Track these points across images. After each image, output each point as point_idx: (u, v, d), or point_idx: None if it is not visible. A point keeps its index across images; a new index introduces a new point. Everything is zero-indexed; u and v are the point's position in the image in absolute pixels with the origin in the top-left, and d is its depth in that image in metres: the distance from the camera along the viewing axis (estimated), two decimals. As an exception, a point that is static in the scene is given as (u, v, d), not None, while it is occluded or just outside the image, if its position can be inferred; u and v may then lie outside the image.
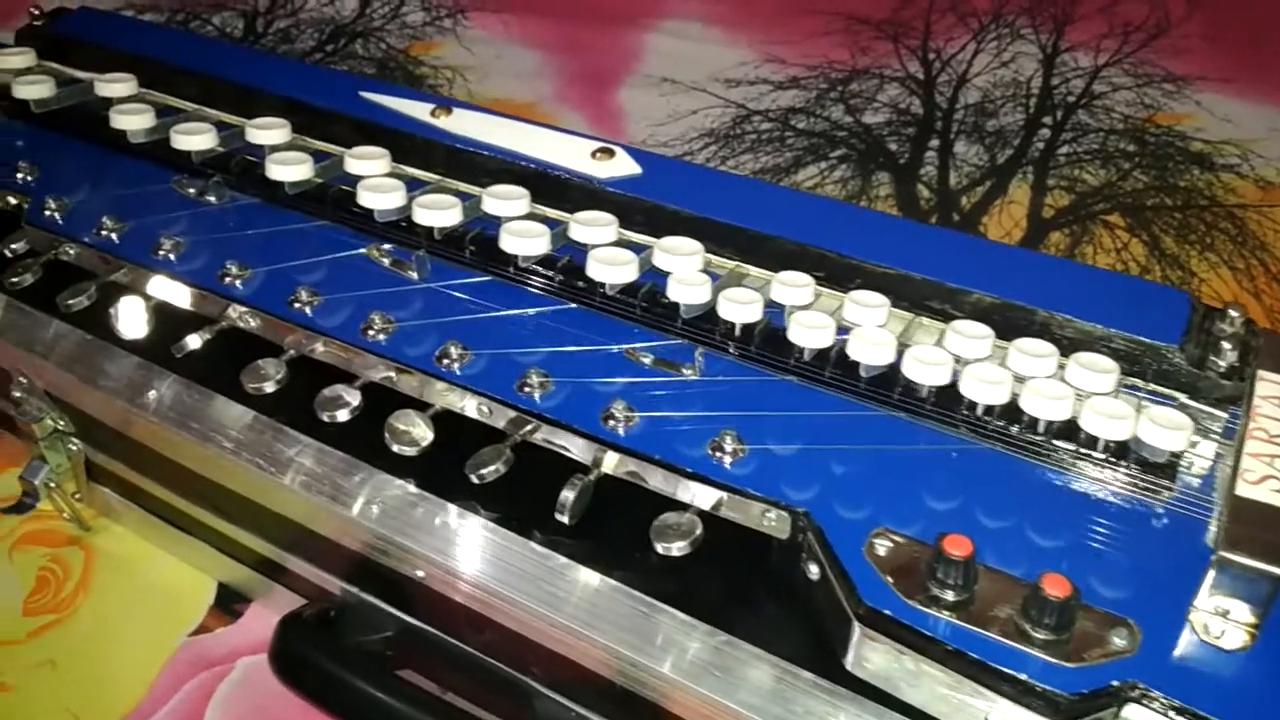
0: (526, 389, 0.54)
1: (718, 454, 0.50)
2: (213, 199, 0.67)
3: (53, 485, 0.72)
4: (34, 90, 0.69)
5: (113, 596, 0.70)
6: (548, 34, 1.30)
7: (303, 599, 0.65)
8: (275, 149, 0.64)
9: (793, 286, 0.51)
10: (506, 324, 0.58)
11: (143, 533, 0.73)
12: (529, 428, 0.54)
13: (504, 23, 1.33)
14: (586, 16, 1.33)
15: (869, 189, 1.05)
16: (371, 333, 0.58)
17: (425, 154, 0.64)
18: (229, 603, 0.69)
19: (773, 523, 0.48)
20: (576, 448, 0.53)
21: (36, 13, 0.78)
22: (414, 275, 0.61)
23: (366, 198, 0.59)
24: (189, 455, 0.61)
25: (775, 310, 0.54)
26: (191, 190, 0.68)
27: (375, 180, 0.60)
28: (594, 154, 0.61)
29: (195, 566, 0.71)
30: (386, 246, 0.63)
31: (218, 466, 0.60)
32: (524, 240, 0.56)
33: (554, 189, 0.61)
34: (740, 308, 0.51)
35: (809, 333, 0.50)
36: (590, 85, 1.21)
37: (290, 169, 0.61)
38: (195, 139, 0.64)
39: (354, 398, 0.57)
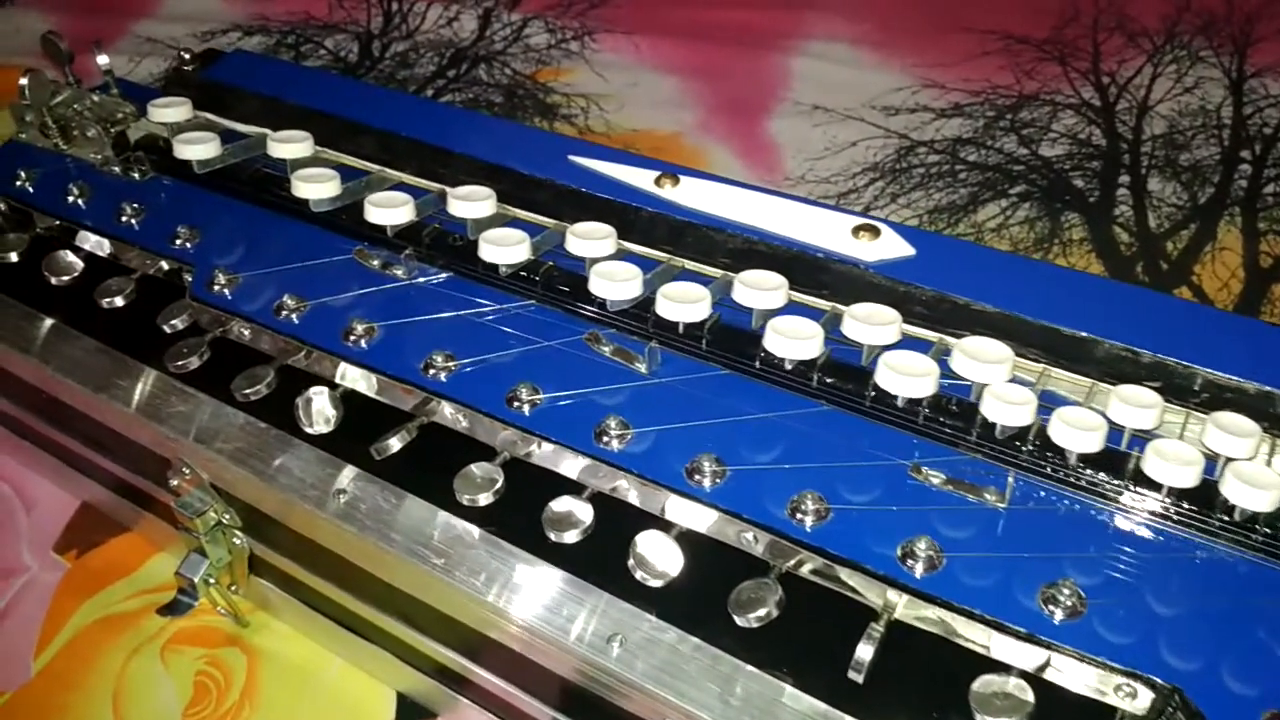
0: (799, 515, 0.48)
1: (1049, 606, 0.43)
2: (400, 273, 0.62)
3: (212, 581, 0.66)
4: (199, 150, 0.64)
5: (281, 708, 0.65)
6: (683, 57, 1.24)
7: (495, 717, 0.60)
8: (481, 223, 0.58)
9: (1136, 406, 0.44)
10: (763, 430, 0.51)
11: (308, 632, 0.67)
12: (798, 559, 0.48)
13: (635, 45, 1.26)
14: (723, 38, 1.27)
15: (1059, 231, 0.97)
16: (606, 439, 0.52)
17: (650, 229, 0.58)
18: (411, 718, 0.63)
19: (1129, 697, 0.41)
20: (863, 588, 0.46)
21: (186, 56, 0.72)
22: (641, 368, 0.55)
23: (600, 285, 0.53)
24: (377, 561, 0.55)
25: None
26: (376, 262, 0.62)
27: (607, 266, 0.53)
28: (855, 231, 0.54)
29: (370, 673, 0.65)
30: (606, 332, 0.56)
31: (413, 577, 0.54)
32: (793, 341, 0.49)
33: (811, 273, 0.54)
34: (1076, 434, 0.44)
35: (1169, 467, 0.42)
36: (736, 115, 1.14)
37: (507, 250, 0.55)
38: (393, 212, 0.58)
39: (586, 514, 0.51)
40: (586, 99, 1.17)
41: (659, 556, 0.49)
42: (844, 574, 0.47)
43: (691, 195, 0.57)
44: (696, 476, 0.50)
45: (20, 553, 0.74)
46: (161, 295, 0.66)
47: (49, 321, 0.68)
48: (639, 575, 0.49)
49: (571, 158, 0.61)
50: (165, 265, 0.67)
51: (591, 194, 0.59)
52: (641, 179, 0.59)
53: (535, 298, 0.58)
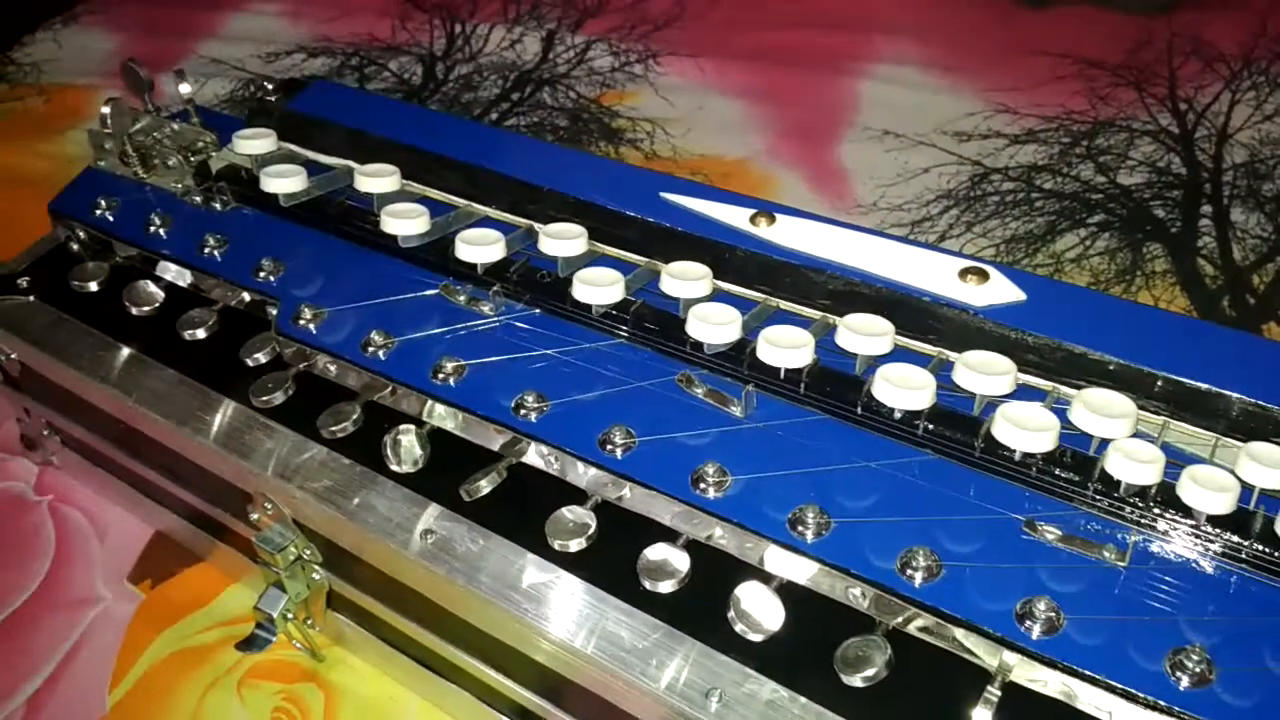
0: (909, 571, 0.46)
1: (1176, 672, 0.42)
2: (487, 310, 0.61)
3: (290, 616, 0.66)
4: (286, 184, 0.64)
5: (360, 748, 0.64)
6: (748, 81, 1.23)
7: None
8: (572, 261, 0.58)
9: (1269, 466, 0.43)
10: (867, 480, 0.50)
11: (386, 669, 0.67)
12: (908, 616, 0.47)
13: (700, 68, 1.26)
14: (789, 61, 1.26)
15: (1141, 263, 0.95)
16: (703, 486, 0.51)
17: (746, 268, 0.57)
18: (490, 762, 0.63)
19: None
20: (978, 648, 0.45)
21: (270, 86, 0.72)
22: (736, 411, 0.54)
23: (698, 328, 0.52)
24: (462, 603, 0.55)
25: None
26: (462, 299, 0.62)
27: (705, 309, 0.52)
28: (963, 275, 0.52)
29: (450, 714, 0.65)
30: (698, 373, 0.55)
31: (499, 620, 0.54)
32: (904, 391, 0.48)
33: (918, 317, 0.53)
34: (1208, 494, 0.42)
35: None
36: (804, 140, 1.13)
37: (601, 291, 0.54)
38: (483, 250, 0.58)
39: (682, 562, 0.50)
40: (652, 123, 1.17)
41: (760, 609, 0.48)
42: (958, 634, 0.45)
43: (788, 234, 0.56)
44: (799, 528, 0.49)
45: (94, 582, 0.74)
46: (244, 328, 0.66)
47: (129, 352, 0.68)
48: (739, 628, 0.48)
49: (663, 195, 0.60)
50: (248, 298, 0.67)
51: (685, 232, 0.59)
52: (736, 217, 0.58)
53: (626, 337, 0.57)
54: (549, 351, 0.58)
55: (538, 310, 0.60)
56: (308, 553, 0.64)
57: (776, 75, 1.24)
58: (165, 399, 0.65)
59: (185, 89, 0.73)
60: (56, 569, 0.75)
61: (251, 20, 1.42)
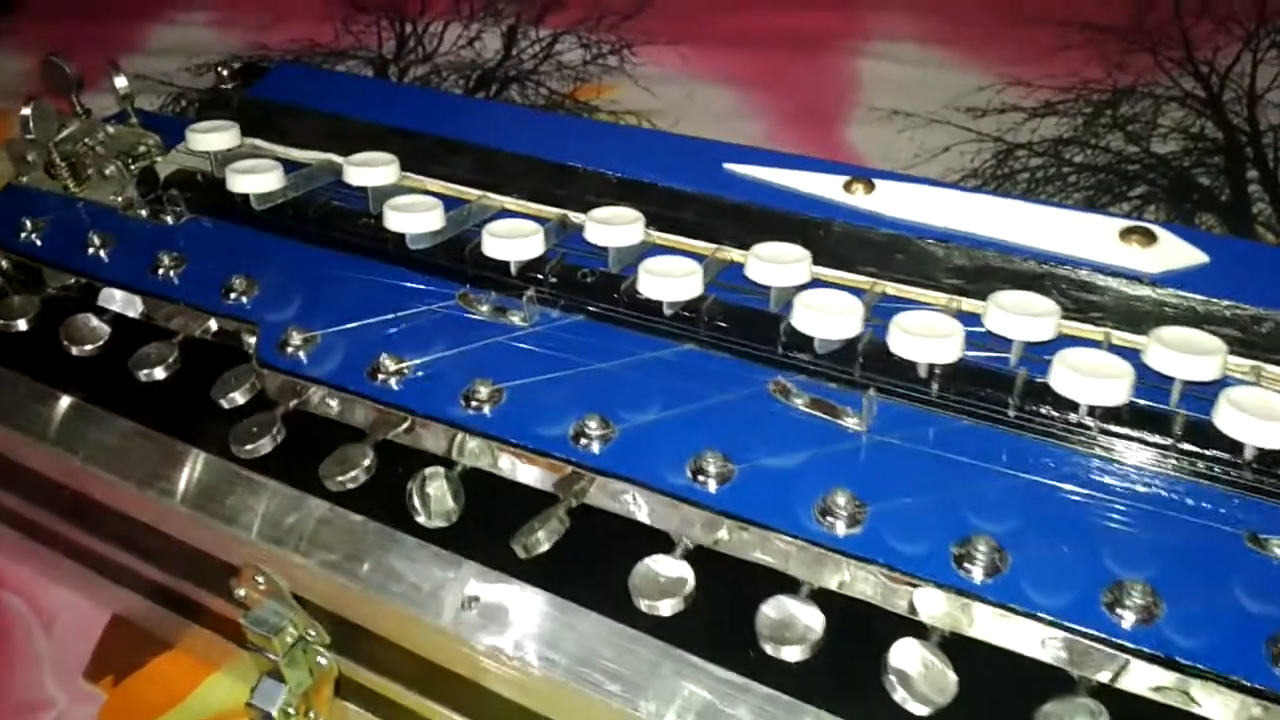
0: (1118, 611, 0.37)
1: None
2: (517, 320, 0.50)
3: (291, 712, 0.54)
4: (259, 182, 0.53)
5: None
6: (735, 66, 1.14)
7: None
8: (624, 252, 0.47)
9: None
10: (1049, 504, 0.40)
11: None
12: (1119, 668, 0.37)
13: (681, 55, 1.16)
14: (775, 43, 1.17)
15: (1197, 236, 0.87)
16: (830, 520, 0.41)
17: (845, 247, 0.47)
18: None
19: None
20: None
21: (225, 73, 0.61)
22: (853, 423, 0.43)
23: (810, 321, 0.42)
24: (521, 685, 0.44)
25: None
26: (485, 308, 0.51)
27: (815, 297, 0.42)
28: (1124, 236, 0.43)
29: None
30: (794, 379, 0.45)
31: (572, 704, 0.43)
32: (1099, 383, 0.38)
33: (1078, 291, 0.43)
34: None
35: None
36: (807, 124, 1.04)
37: (675, 284, 0.44)
38: (520, 245, 0.47)
39: (813, 620, 0.40)
40: (637, 115, 1.07)
41: (925, 673, 0.38)
42: (1194, 688, 0.36)
43: (895, 202, 0.46)
44: (966, 565, 0.39)
45: (42, 683, 0.62)
46: (214, 363, 0.54)
47: (70, 400, 0.56)
48: (899, 696, 0.38)
49: (728, 166, 0.50)
50: (216, 326, 0.56)
51: (763, 208, 0.48)
52: (823, 186, 0.48)
53: (697, 340, 0.47)
54: (603, 365, 0.48)
55: (580, 316, 0.50)
56: (311, 633, 0.52)
57: (765, 58, 1.14)
58: (121, 456, 0.54)
59: (121, 83, 0.62)
60: (-5, 669, 0.63)
61: (177, 32, 1.30)
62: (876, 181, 0.47)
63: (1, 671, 0.62)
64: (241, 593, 0.53)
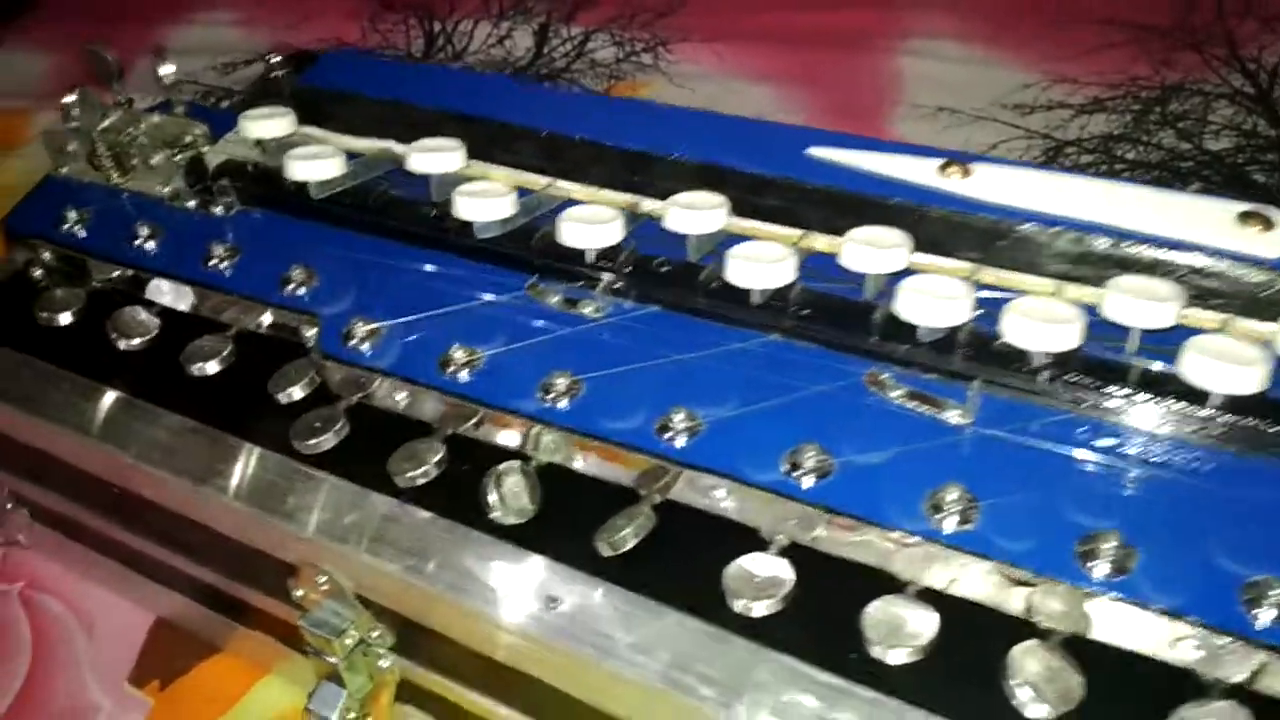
0: (1258, 608, 0.35)
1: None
2: (590, 311, 0.48)
3: (351, 717, 0.52)
4: (320, 169, 0.51)
5: None
6: (772, 64, 1.12)
7: None
8: (704, 240, 0.45)
9: None
10: (1184, 498, 0.38)
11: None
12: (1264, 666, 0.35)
13: (716, 53, 1.15)
14: (812, 41, 1.15)
15: (1256, 233, 0.85)
16: (940, 516, 0.39)
17: (942, 233, 0.45)
18: None
19: None
20: None
21: (275, 60, 0.59)
22: (956, 416, 0.42)
23: (915, 307, 0.40)
24: (605, 690, 0.42)
25: None
26: (555, 299, 0.49)
27: (919, 283, 0.40)
28: (1242, 219, 0.41)
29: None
30: (890, 371, 0.43)
31: (663, 712, 0.41)
32: (1233, 369, 0.36)
33: (1195, 278, 0.41)
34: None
35: None
36: (849, 121, 1.02)
37: (764, 270, 0.42)
38: (599, 231, 0.45)
39: (926, 623, 0.38)
40: (675, 113, 1.05)
41: (1049, 677, 0.36)
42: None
43: (994, 187, 0.45)
44: (1090, 563, 0.37)
45: (86, 688, 0.60)
46: (268, 357, 0.53)
47: (119, 396, 0.55)
48: (1022, 699, 0.36)
49: (811, 151, 0.48)
50: (271, 319, 0.54)
51: (853, 193, 0.46)
52: (915, 170, 0.46)
53: (783, 330, 0.45)
54: (685, 356, 0.46)
55: (655, 307, 0.48)
56: (374, 634, 0.50)
57: (803, 56, 1.13)
58: (173, 452, 0.52)
59: (167, 71, 0.60)
60: (36, 674, 0.61)
61: (201, 32, 1.28)
62: (973, 165, 0.45)
63: (44, 677, 0.61)
64: (300, 593, 0.51)
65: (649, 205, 0.49)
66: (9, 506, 0.66)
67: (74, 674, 0.61)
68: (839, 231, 0.44)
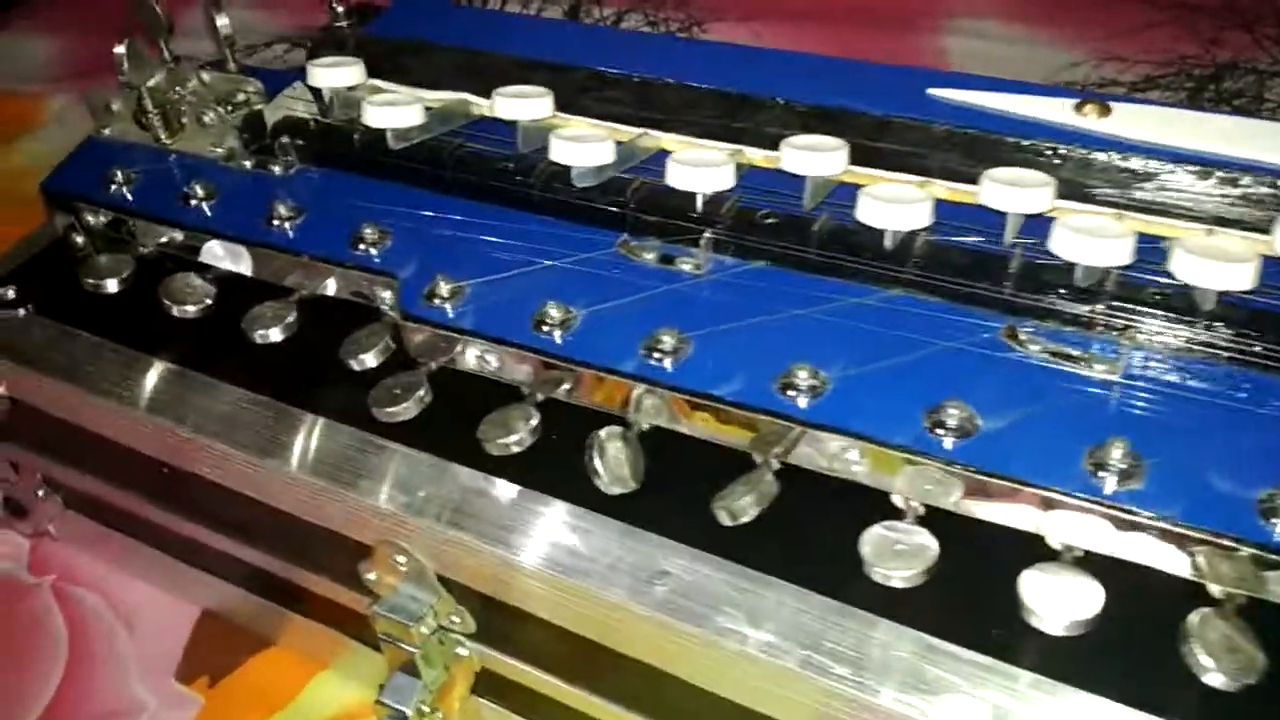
0: None
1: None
2: (690, 267, 0.45)
3: (426, 709, 0.49)
4: (399, 116, 0.47)
5: None
6: (815, 42, 1.09)
7: None
8: (820, 185, 0.42)
9: None
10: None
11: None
12: None
13: (754, 33, 1.12)
14: (855, 20, 1.12)
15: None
16: (1102, 474, 0.35)
17: (1086, 176, 0.42)
18: None
19: None
20: None
21: (340, 9, 0.56)
22: (1104, 371, 0.38)
23: (1069, 243, 0.37)
24: (719, 674, 0.39)
25: None
26: (650, 256, 0.46)
27: (1080, 221, 0.37)
28: None
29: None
30: (1026, 329, 0.40)
31: (790, 694, 0.38)
32: None
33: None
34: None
35: None
36: (897, 100, 0.99)
37: (902, 211, 0.39)
38: (709, 175, 0.42)
39: (1092, 596, 0.35)
40: (714, 93, 1.02)
41: (1226, 645, 0.33)
42: None
43: (1136, 126, 0.41)
44: (1272, 521, 0.33)
45: (129, 685, 0.56)
46: (337, 321, 0.49)
47: (172, 368, 0.51)
48: (1206, 670, 0.33)
49: (932, 92, 0.45)
50: (338, 280, 0.51)
51: (986, 134, 0.43)
52: (1048, 109, 0.43)
53: (905, 283, 0.42)
54: (803, 311, 0.42)
55: (763, 262, 0.45)
56: (454, 620, 0.47)
57: (844, 35, 1.10)
58: (234, 424, 0.48)
59: (223, 23, 0.56)
60: (75, 672, 0.57)
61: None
62: (1113, 105, 0.42)
63: (83, 675, 0.57)
64: (372, 576, 0.48)
65: (753, 154, 0.45)
66: (40, 494, 0.62)
67: (115, 672, 0.57)
68: (967, 177, 0.41)
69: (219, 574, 0.57)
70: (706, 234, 0.45)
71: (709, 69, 0.49)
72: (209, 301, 0.52)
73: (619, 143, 0.47)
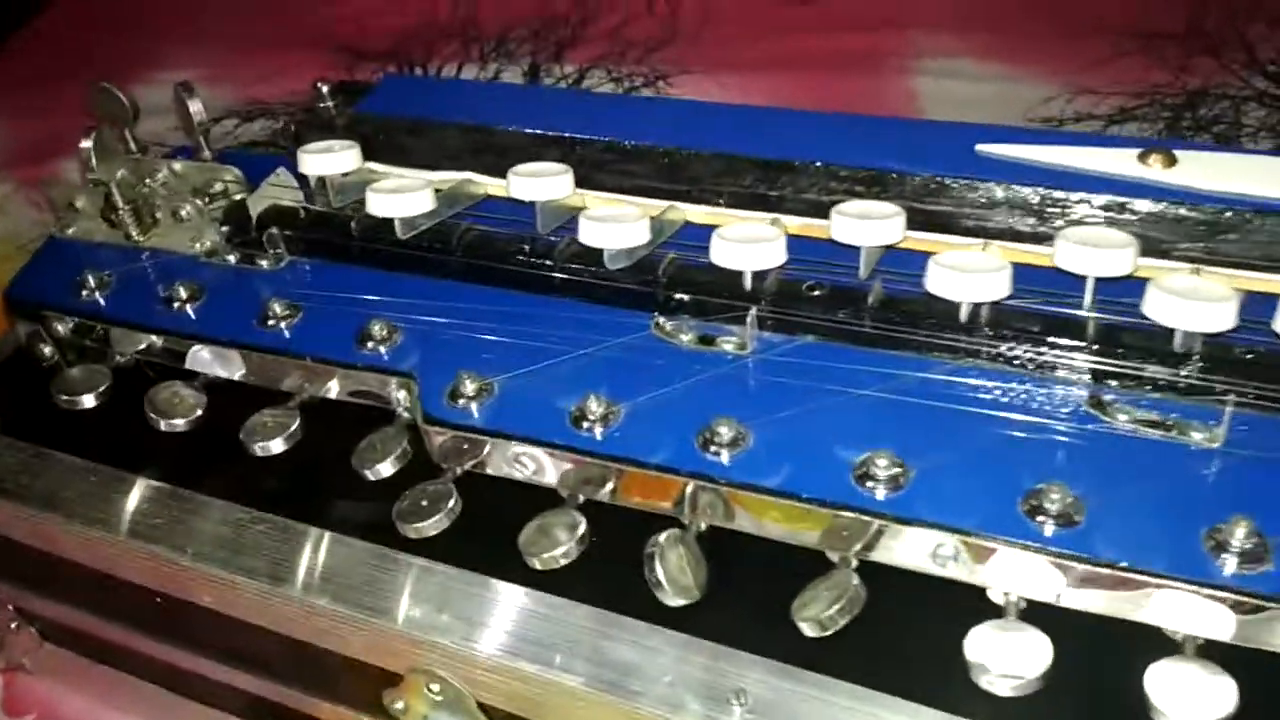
0: None
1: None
2: (732, 347, 0.42)
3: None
4: (408, 204, 0.44)
5: None
6: (784, 91, 1.07)
7: None
8: (874, 253, 0.39)
9: None
10: None
11: None
12: None
13: (720, 84, 1.10)
14: (822, 65, 1.11)
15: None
16: (1223, 556, 0.33)
17: (1157, 228, 0.39)
18: None
19: None
20: None
21: (325, 89, 0.52)
22: (1205, 439, 0.36)
23: (1182, 314, 0.34)
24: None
25: None
26: (686, 337, 0.43)
27: (1180, 283, 0.34)
28: None
29: None
30: (1119, 398, 0.37)
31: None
32: None
33: None
34: None
35: None
36: (875, 145, 0.97)
37: (977, 281, 0.36)
38: (759, 252, 0.39)
39: (1224, 691, 0.32)
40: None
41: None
42: None
43: (1205, 175, 0.39)
44: None
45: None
46: (343, 430, 0.45)
47: (162, 487, 0.47)
48: None
49: (981, 148, 0.42)
50: (339, 387, 0.47)
51: (1042, 191, 0.40)
52: (1109, 161, 0.40)
53: (977, 354, 0.39)
54: (867, 391, 0.39)
55: (811, 337, 0.42)
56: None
57: (813, 81, 1.08)
58: (241, 548, 0.44)
59: (196, 108, 0.53)
60: (63, 826, 0.52)
61: (161, 92, 1.19)
62: (1178, 152, 0.40)
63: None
64: (400, 705, 0.44)
65: (790, 221, 0.42)
66: (13, 626, 0.57)
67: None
68: (1036, 239, 0.38)
69: (218, 705, 0.52)
70: (753, 311, 0.41)
71: (734, 134, 0.46)
72: (200, 412, 0.47)
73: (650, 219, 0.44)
